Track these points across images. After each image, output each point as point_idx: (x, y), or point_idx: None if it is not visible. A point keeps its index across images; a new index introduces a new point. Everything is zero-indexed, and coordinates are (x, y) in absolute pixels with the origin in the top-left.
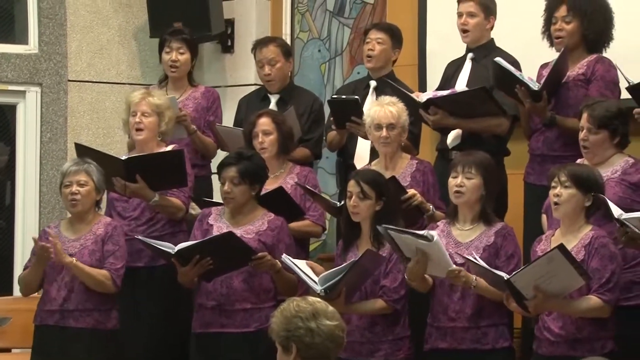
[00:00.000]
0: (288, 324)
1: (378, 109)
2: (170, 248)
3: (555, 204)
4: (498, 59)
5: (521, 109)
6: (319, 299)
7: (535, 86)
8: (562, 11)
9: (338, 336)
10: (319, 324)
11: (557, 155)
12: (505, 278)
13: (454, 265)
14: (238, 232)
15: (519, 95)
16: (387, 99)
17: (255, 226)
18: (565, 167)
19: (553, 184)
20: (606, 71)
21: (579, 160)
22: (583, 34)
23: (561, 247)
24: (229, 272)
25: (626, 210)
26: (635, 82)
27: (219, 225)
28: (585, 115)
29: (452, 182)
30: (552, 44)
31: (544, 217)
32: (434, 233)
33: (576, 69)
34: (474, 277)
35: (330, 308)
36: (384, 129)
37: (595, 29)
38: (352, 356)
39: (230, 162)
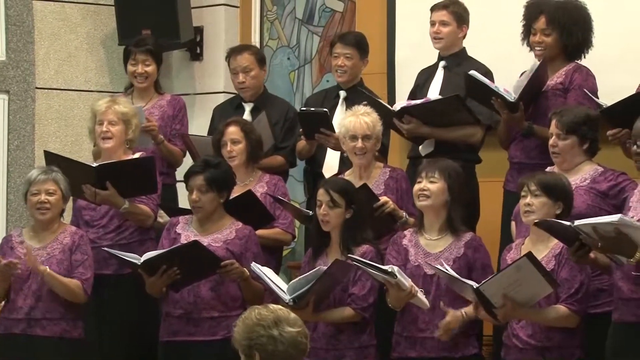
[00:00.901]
0: (250, 332)
1: (353, 119)
2: (137, 259)
3: (526, 212)
4: (472, 72)
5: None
6: (280, 307)
7: (510, 97)
8: (541, 23)
9: (301, 342)
10: (281, 331)
11: (535, 164)
12: (475, 287)
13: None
14: (206, 240)
15: (496, 107)
16: (361, 109)
17: (223, 235)
18: (534, 176)
19: (523, 193)
20: (584, 80)
21: (549, 168)
22: (563, 45)
23: (529, 256)
24: (196, 281)
25: None
26: (608, 105)
27: (186, 234)
28: (554, 122)
29: (416, 187)
30: (532, 51)
31: (513, 224)
32: (396, 268)
33: (555, 78)
34: (462, 311)
35: (293, 315)
36: (360, 140)
37: (574, 41)
38: None
39: (197, 170)
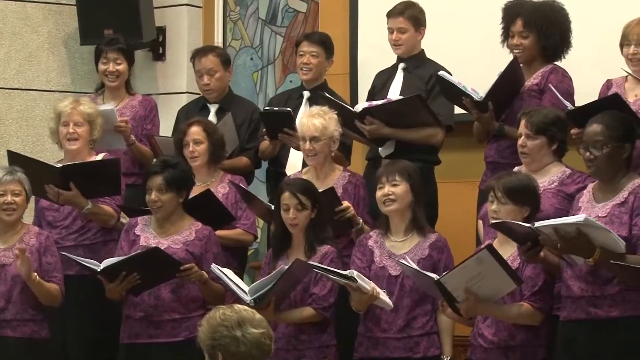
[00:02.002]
0: (214, 332)
1: (304, 121)
2: (96, 265)
3: (494, 218)
4: (442, 73)
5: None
6: (245, 307)
7: (477, 97)
8: (519, 26)
9: (264, 344)
10: (245, 333)
11: (508, 163)
12: (436, 279)
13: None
14: (165, 242)
15: (467, 107)
16: (316, 110)
17: (182, 236)
18: (500, 181)
19: (490, 198)
20: (559, 81)
21: (516, 168)
22: (541, 47)
23: (490, 248)
24: (156, 285)
25: None
26: (575, 107)
27: (145, 235)
28: (523, 122)
29: (379, 193)
30: (511, 52)
31: (480, 222)
32: (355, 273)
33: (531, 80)
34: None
35: (257, 316)
36: (308, 142)
37: (552, 42)
38: None
39: (156, 170)
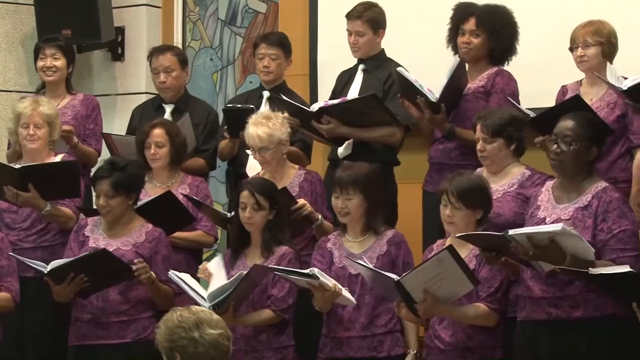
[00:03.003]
0: (171, 334)
1: (250, 132)
2: (43, 267)
3: (448, 223)
4: (400, 69)
5: (421, 120)
6: (203, 308)
7: (433, 97)
8: (471, 25)
9: (222, 345)
10: (202, 334)
11: (455, 164)
12: (396, 279)
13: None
14: (115, 244)
15: (421, 106)
16: (259, 117)
17: (132, 238)
18: (452, 183)
19: (443, 202)
20: (505, 84)
21: (478, 170)
22: (490, 48)
23: (450, 249)
24: (105, 287)
25: (520, 225)
26: (533, 114)
27: (95, 237)
28: (479, 126)
29: (334, 202)
30: (456, 53)
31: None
32: (316, 270)
33: (477, 82)
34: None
35: (215, 316)
36: (257, 153)
37: (502, 44)
38: None
39: (103, 174)
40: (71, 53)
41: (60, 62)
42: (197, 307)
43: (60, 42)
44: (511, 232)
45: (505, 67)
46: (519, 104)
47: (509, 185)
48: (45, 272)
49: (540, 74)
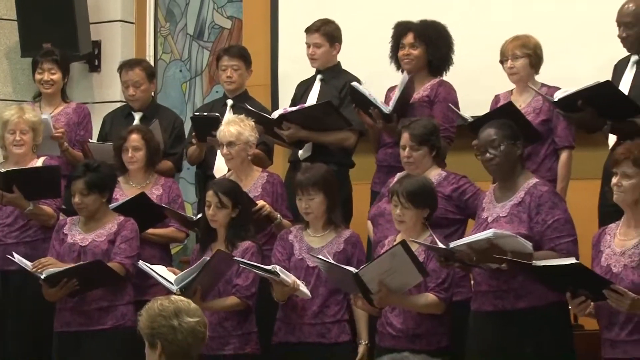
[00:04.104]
0: (152, 322)
1: (222, 128)
2: (26, 265)
3: (398, 222)
4: (354, 84)
5: (371, 127)
6: (181, 297)
7: (386, 109)
8: (410, 38)
9: (199, 331)
10: (181, 322)
11: (402, 166)
12: (354, 272)
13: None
14: (90, 237)
15: (373, 116)
16: (233, 118)
17: (105, 230)
18: (402, 184)
19: (394, 203)
20: (447, 94)
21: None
22: (428, 59)
23: (403, 244)
24: (92, 289)
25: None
26: (472, 119)
27: (72, 233)
28: (405, 135)
29: (298, 203)
30: (398, 68)
31: (369, 223)
32: (278, 268)
33: (421, 91)
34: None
35: (193, 305)
36: (225, 147)
37: (438, 55)
38: (204, 351)
39: (78, 175)
40: (66, 65)
41: (57, 76)
42: (176, 296)
43: (56, 56)
44: (452, 244)
45: (445, 78)
46: (460, 111)
47: None
48: (42, 277)
49: (475, 85)
